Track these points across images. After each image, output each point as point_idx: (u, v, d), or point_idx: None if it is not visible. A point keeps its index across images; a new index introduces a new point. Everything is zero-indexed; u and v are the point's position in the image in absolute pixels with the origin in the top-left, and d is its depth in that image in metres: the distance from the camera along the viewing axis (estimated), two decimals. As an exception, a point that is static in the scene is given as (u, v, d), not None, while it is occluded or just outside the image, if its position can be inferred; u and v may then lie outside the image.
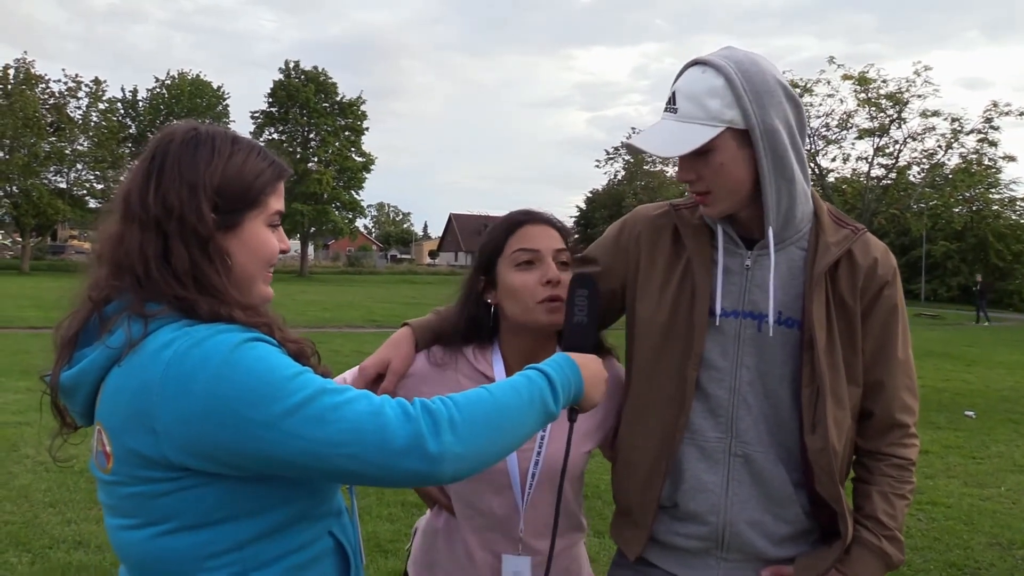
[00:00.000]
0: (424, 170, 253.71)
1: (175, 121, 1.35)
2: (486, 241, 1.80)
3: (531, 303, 1.70)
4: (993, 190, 35.30)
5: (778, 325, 1.62)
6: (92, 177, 43.29)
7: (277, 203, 1.33)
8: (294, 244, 50.20)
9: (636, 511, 1.72)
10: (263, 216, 1.30)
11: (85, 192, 43.38)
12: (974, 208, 35.83)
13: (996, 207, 36.59)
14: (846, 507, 1.61)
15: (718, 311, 1.63)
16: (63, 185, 42.88)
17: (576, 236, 1.86)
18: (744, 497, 1.62)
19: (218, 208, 1.25)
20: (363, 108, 50.90)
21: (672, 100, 1.57)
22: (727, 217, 1.65)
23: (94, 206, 45.76)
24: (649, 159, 58.04)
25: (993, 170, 31.82)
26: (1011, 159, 30.90)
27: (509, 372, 1.73)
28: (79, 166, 43.31)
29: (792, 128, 1.57)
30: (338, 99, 50.26)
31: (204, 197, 1.23)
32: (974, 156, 30.25)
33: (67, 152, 42.29)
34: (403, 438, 1.11)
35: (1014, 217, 38.41)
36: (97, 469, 1.23)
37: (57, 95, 42.35)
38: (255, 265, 1.30)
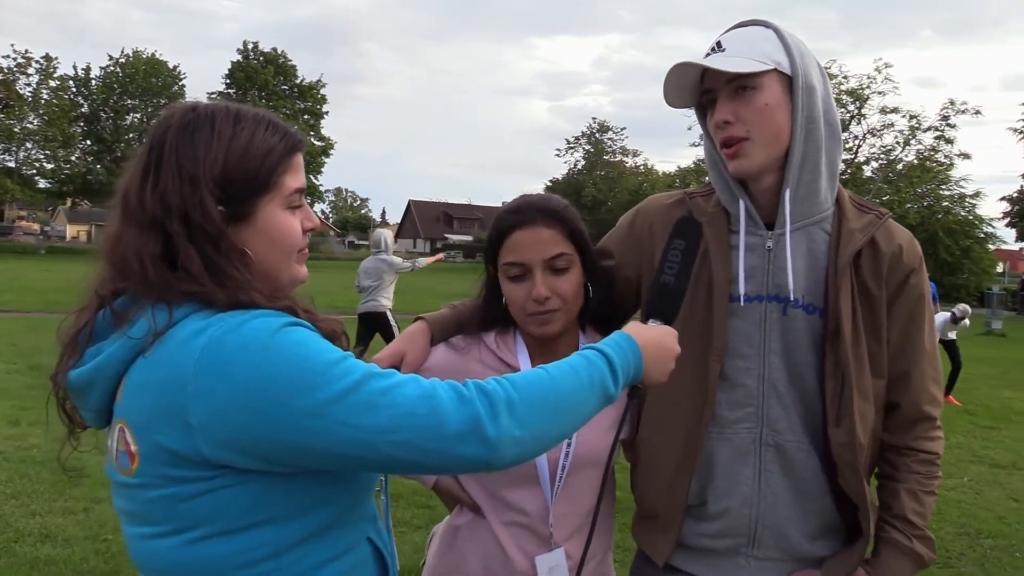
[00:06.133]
0: (385, 156, 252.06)
1: (172, 105, 1.19)
2: (486, 239, 1.70)
3: (522, 316, 1.65)
4: (944, 187, 36.06)
5: (799, 309, 1.56)
6: (42, 156, 42.24)
7: (294, 180, 1.20)
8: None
9: (662, 514, 1.66)
10: (279, 199, 1.18)
11: (35, 172, 42.33)
12: (926, 204, 36.55)
13: (946, 203, 37.40)
14: (870, 503, 1.57)
15: (741, 293, 1.55)
16: (11, 164, 41.74)
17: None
18: (776, 489, 1.58)
19: (225, 199, 1.13)
20: (323, 91, 50.34)
21: (718, 45, 1.54)
22: (745, 189, 1.59)
23: (44, 186, 44.62)
24: (608, 150, 58.34)
25: (946, 167, 32.54)
26: (966, 156, 31.64)
27: (533, 361, 1.66)
28: (28, 144, 42.18)
29: (825, 97, 1.55)
30: (297, 82, 49.58)
31: (207, 191, 1.11)
32: (930, 153, 30.91)
33: (16, 130, 41.10)
34: (458, 422, 1.03)
35: (963, 213, 39.29)
36: (117, 472, 1.13)
37: (5, 71, 41.09)
38: (276, 256, 1.19)
